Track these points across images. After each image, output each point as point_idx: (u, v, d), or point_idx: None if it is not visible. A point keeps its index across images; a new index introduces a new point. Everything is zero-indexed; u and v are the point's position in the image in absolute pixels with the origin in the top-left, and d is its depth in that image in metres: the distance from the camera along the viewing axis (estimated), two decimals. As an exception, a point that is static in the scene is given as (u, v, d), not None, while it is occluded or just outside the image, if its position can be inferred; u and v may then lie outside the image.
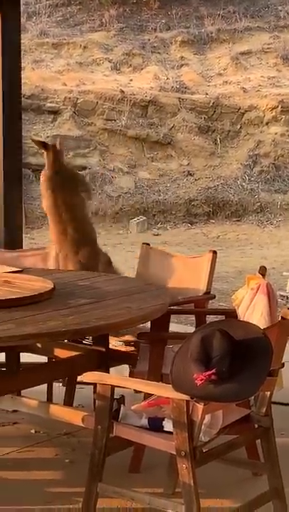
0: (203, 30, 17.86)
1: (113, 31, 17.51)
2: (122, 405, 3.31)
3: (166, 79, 16.00)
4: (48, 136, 14.42)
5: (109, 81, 15.72)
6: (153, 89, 15.48)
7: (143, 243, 4.87)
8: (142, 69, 16.42)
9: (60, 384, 4.82)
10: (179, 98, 15.51)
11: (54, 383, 4.75)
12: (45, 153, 5.07)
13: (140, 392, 3.59)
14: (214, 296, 4.61)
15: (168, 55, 17.08)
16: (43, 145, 5.15)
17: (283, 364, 3.35)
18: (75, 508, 3.49)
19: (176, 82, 16.01)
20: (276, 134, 15.54)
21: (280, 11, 18.75)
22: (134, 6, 18.41)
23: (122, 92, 15.15)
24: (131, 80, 15.90)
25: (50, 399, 4.66)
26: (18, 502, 3.64)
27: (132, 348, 4.36)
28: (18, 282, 4.04)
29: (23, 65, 6.99)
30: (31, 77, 15.08)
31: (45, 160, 5.10)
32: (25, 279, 4.14)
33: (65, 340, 4.44)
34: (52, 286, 3.95)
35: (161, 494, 3.55)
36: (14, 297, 3.77)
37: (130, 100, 15.06)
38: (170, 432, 3.13)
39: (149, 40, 17.19)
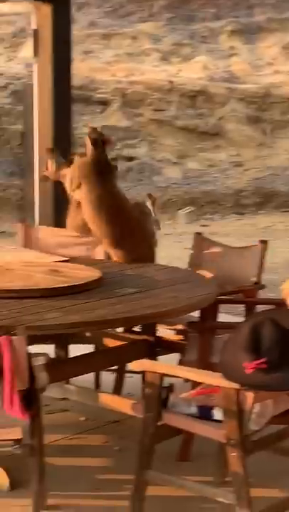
0: (252, 20, 17.74)
1: (162, 21, 17.47)
2: (170, 394, 3.32)
3: (215, 69, 15.94)
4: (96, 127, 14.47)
5: (158, 71, 15.70)
6: (202, 80, 15.43)
7: (195, 233, 4.87)
8: (190, 59, 16.36)
9: (110, 372, 4.86)
10: (228, 88, 15.43)
11: (102, 372, 4.79)
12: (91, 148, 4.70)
13: (189, 381, 3.60)
14: (264, 286, 4.60)
15: (217, 44, 17.00)
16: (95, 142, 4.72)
17: None
18: (125, 495, 3.51)
19: (226, 71, 15.94)
20: None
21: None
22: (183, -4, 18.36)
23: (171, 82, 15.12)
24: (180, 70, 15.86)
25: (98, 387, 4.70)
26: (70, 488, 3.68)
27: (181, 337, 4.37)
28: (65, 271, 4.07)
29: (72, 56, 7.02)
30: (81, 68, 15.12)
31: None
32: (72, 267, 4.17)
33: (115, 330, 4.48)
34: (100, 275, 3.97)
35: (211, 483, 3.55)
36: (62, 286, 3.80)
37: (179, 90, 15.03)
38: (220, 421, 3.14)
39: (198, 29, 17.13)
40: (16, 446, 3.13)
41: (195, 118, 15.02)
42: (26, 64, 14.78)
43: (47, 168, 4.88)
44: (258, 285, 4.55)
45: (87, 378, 4.58)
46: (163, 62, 16.31)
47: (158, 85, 15.07)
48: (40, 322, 3.35)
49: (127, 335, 4.46)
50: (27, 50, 6.19)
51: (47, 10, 5.96)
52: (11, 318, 3.37)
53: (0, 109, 14.47)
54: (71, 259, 4.50)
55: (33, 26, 6.07)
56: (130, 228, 4.48)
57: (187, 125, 14.93)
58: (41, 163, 5.96)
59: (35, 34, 6.02)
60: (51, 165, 4.83)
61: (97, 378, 4.74)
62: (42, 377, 3.16)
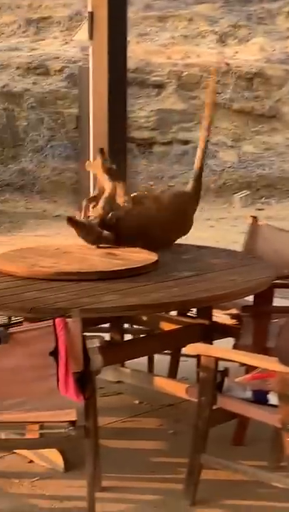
0: (310, 1, 17.48)
1: (219, 3, 17.30)
2: (225, 377, 3.31)
3: (272, 50, 15.76)
4: (151, 110, 14.43)
5: (214, 54, 15.58)
6: (259, 62, 15.26)
7: (251, 216, 4.83)
8: (247, 41, 16.21)
9: (164, 356, 4.86)
10: (286, 70, 15.25)
11: (156, 355, 4.79)
12: None
13: (244, 365, 3.58)
14: None
15: (274, 26, 16.80)
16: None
17: None
18: (179, 478, 3.51)
19: (283, 53, 15.74)
20: None
21: None
22: (240, -23, 18.18)
23: (227, 64, 15.00)
24: (236, 52, 15.71)
25: (151, 370, 4.70)
26: (124, 470, 3.70)
27: (236, 322, 4.35)
28: (121, 254, 4.08)
29: (128, 38, 6.99)
30: (136, 51, 15.09)
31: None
32: (128, 250, 4.17)
33: (170, 313, 4.47)
34: (156, 258, 3.97)
35: (266, 467, 3.54)
36: (118, 269, 3.81)
37: (235, 73, 14.91)
38: (275, 405, 3.12)
39: (255, 11, 16.94)
40: (71, 428, 3.14)
41: (251, 100, 14.89)
42: (82, 47, 14.84)
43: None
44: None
45: (142, 361, 4.59)
46: (219, 44, 16.18)
47: (214, 68, 14.95)
48: (97, 304, 3.36)
49: (182, 318, 4.45)
50: (83, 32, 6.17)
51: (103, -8, 5.95)
52: (68, 300, 3.39)
53: (55, 93, 14.52)
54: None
55: (89, 9, 6.06)
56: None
57: (243, 108, 14.81)
58: (95, 147, 5.96)
59: (91, 17, 6.01)
60: (99, 163, 4.82)
61: (150, 362, 4.74)
62: (97, 359, 3.17)
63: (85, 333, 3.11)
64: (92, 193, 4.73)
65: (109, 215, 4.33)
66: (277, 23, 16.82)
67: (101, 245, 4.28)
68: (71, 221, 4.27)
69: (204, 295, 3.56)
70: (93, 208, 4.47)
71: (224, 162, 14.18)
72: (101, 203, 4.41)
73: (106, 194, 4.48)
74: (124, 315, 4.16)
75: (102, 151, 4.82)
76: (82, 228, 4.28)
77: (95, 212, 4.40)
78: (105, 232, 4.29)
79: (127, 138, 7.14)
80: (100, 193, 4.60)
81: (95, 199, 4.57)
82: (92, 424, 3.20)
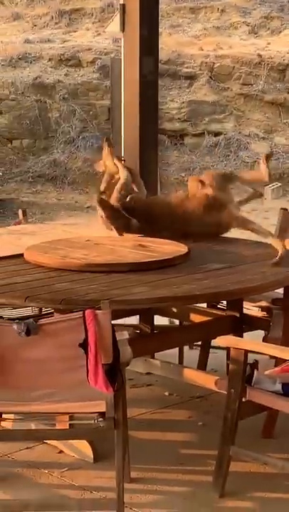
0: None
1: (251, -6, 17.26)
2: (255, 370, 3.31)
3: (305, 42, 15.67)
4: (183, 102, 14.41)
5: (246, 45, 15.52)
6: (291, 53, 15.21)
7: (281, 208, 4.81)
8: (280, 32, 16.13)
9: (194, 348, 4.86)
10: None
11: (186, 347, 4.80)
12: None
13: (274, 358, 3.57)
14: None
15: (307, 17, 16.71)
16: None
17: None
18: (208, 470, 3.52)
19: (315, 45, 15.66)
20: None
21: None
22: None
23: (260, 56, 14.93)
24: (269, 44, 15.64)
25: (181, 362, 4.71)
26: (153, 462, 3.70)
27: (266, 314, 4.34)
28: (152, 246, 4.08)
29: (160, 30, 6.98)
30: (168, 43, 15.07)
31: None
32: (159, 242, 4.17)
33: (201, 305, 4.47)
34: (186, 250, 3.97)
35: (295, 461, 3.53)
36: (148, 260, 3.81)
37: (268, 64, 14.84)
38: (304, 399, 3.11)
39: (288, 2, 16.85)
40: (100, 419, 3.15)
41: (284, 92, 14.81)
42: (114, 39, 14.84)
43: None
44: None
45: (171, 353, 4.60)
46: (252, 36, 16.11)
47: (246, 59, 14.90)
48: (128, 296, 3.36)
49: (213, 310, 4.45)
50: (115, 24, 6.17)
51: (135, -16, 5.94)
52: (98, 292, 3.40)
53: (88, 84, 14.54)
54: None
55: (121, 1, 6.05)
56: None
57: (275, 99, 14.74)
58: (127, 140, 5.96)
59: (123, 9, 6.00)
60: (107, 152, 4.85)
61: (180, 353, 4.75)
62: (126, 351, 3.18)
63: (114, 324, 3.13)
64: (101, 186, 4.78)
65: (128, 198, 4.37)
66: (311, 14, 16.70)
67: (130, 232, 4.32)
68: (102, 203, 4.29)
69: (234, 287, 3.55)
70: (108, 197, 4.52)
71: (256, 154, 14.12)
72: (116, 192, 4.45)
73: (122, 180, 4.52)
74: (154, 307, 4.16)
75: (108, 140, 4.86)
76: (112, 211, 4.31)
77: (112, 201, 4.44)
78: (133, 220, 4.32)
79: (158, 129, 7.12)
80: (109, 183, 4.65)
81: (108, 188, 4.62)
82: (122, 416, 3.21)
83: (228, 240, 4.56)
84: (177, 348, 4.73)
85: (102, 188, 4.75)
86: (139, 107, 6.01)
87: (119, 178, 4.61)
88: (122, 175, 4.59)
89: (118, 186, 4.54)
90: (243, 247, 4.38)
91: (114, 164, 4.73)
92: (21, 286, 3.48)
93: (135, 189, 4.61)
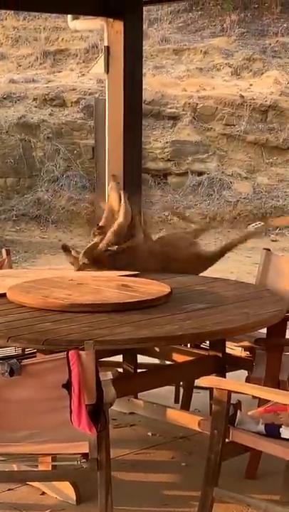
0: None
1: (234, 36, 17.45)
2: (238, 410, 3.31)
3: (286, 83, 15.85)
4: (167, 142, 14.51)
5: (229, 86, 15.69)
6: (273, 94, 15.36)
7: (264, 248, 4.85)
8: (262, 73, 16.32)
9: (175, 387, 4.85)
10: (300, 103, 15.33)
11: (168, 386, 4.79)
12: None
13: (257, 398, 3.58)
14: None
15: (289, 59, 16.92)
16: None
17: None
18: (191, 511, 3.50)
19: (297, 86, 15.83)
20: None
21: None
22: (256, 11, 18.31)
23: (242, 97, 15.08)
24: (251, 85, 15.81)
25: (177, 401, 4.70)
26: (136, 503, 3.69)
27: (249, 354, 4.35)
28: (135, 286, 4.09)
29: (144, 71, 7.06)
30: (152, 83, 15.21)
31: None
32: (142, 282, 4.19)
33: (187, 345, 4.48)
34: (169, 290, 3.98)
35: (278, 501, 3.52)
36: (131, 301, 3.82)
37: (250, 105, 14.99)
38: (288, 439, 3.11)
39: (270, 44, 17.06)
40: (83, 461, 3.14)
41: (266, 133, 14.95)
42: (98, 79, 14.95)
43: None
44: None
45: (155, 392, 4.60)
46: (234, 77, 16.29)
47: (229, 100, 15.05)
48: (111, 336, 3.37)
49: (196, 350, 4.45)
50: (99, 65, 6.24)
51: (119, 26, 6.02)
52: (81, 332, 3.40)
53: (72, 124, 14.63)
54: (140, 274, 4.53)
55: (105, 43, 6.13)
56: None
57: (258, 140, 14.87)
58: (111, 179, 6.00)
59: (107, 51, 6.08)
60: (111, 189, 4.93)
61: (177, 393, 4.75)
62: (110, 392, 3.18)
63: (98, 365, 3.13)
64: (102, 220, 4.83)
65: (115, 247, 4.46)
66: (292, 56, 16.91)
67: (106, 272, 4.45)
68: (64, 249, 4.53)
69: (217, 328, 3.57)
70: (100, 236, 4.59)
71: (239, 193, 14.22)
72: (110, 233, 4.53)
73: (119, 221, 4.60)
74: (137, 347, 4.17)
75: (114, 176, 4.92)
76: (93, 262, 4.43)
77: (105, 240, 4.59)
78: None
79: (142, 169, 7.18)
80: (109, 220, 4.72)
81: (107, 223, 4.70)
82: (105, 457, 3.20)
83: (209, 279, 4.59)
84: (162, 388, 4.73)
85: (101, 223, 4.81)
86: (122, 147, 6.06)
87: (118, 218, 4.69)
88: (120, 217, 4.65)
89: (114, 227, 4.60)
90: (224, 287, 4.40)
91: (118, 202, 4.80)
92: (3, 326, 3.48)
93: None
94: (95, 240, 4.67)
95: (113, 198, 4.86)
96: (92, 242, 4.71)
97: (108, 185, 4.98)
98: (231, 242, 4.88)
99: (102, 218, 4.86)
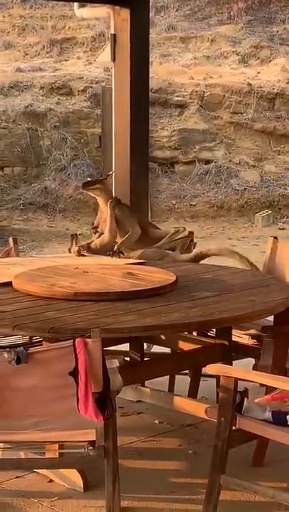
0: None
1: (241, 24, 17.39)
2: (245, 398, 3.31)
3: (294, 71, 15.80)
4: (174, 130, 14.49)
5: (236, 74, 15.64)
6: (281, 82, 15.31)
7: (271, 236, 4.83)
8: (269, 61, 16.26)
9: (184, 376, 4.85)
10: (308, 90, 15.28)
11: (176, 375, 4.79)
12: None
13: (264, 385, 3.58)
14: None
15: (297, 46, 16.85)
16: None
17: None
18: (198, 498, 3.51)
19: (305, 74, 15.78)
20: None
21: None
22: (263, -2, 18.25)
23: (250, 84, 15.04)
24: (258, 73, 15.76)
25: (172, 390, 4.70)
26: (143, 490, 3.69)
27: (255, 342, 4.35)
28: (140, 274, 4.09)
29: (150, 59, 7.04)
30: (159, 72, 15.17)
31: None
32: (147, 270, 4.18)
33: (193, 333, 4.48)
34: (174, 279, 3.98)
35: (285, 488, 3.52)
36: (137, 289, 3.82)
37: (257, 93, 14.94)
38: (294, 427, 3.11)
39: (277, 32, 16.99)
40: (90, 448, 3.15)
41: (273, 120, 14.91)
42: (105, 67, 14.92)
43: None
44: None
45: (162, 380, 4.60)
46: (242, 65, 16.24)
47: (236, 88, 15.01)
48: (116, 325, 3.37)
49: (202, 338, 4.45)
50: (105, 54, 6.22)
51: (125, 14, 5.99)
52: (87, 320, 3.41)
53: (79, 113, 14.62)
54: (146, 262, 4.53)
55: (112, 31, 6.10)
56: None
57: (265, 128, 14.83)
58: (118, 167, 6.00)
59: (114, 39, 6.05)
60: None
61: (171, 381, 4.75)
62: (117, 379, 3.18)
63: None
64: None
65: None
66: (300, 44, 16.85)
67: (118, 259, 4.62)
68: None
69: (223, 316, 3.56)
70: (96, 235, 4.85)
71: (246, 182, 14.19)
72: (100, 240, 4.85)
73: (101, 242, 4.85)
74: (143, 335, 4.17)
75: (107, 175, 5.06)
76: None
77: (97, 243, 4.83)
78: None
79: (149, 157, 7.16)
80: (100, 220, 4.84)
81: (99, 223, 4.83)
82: (112, 444, 3.21)
83: (215, 267, 4.58)
84: (168, 376, 4.73)
85: (95, 223, 4.94)
86: (130, 136, 6.04)
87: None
88: (105, 235, 4.86)
89: (98, 244, 4.86)
90: (230, 275, 4.40)
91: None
92: (9, 315, 3.48)
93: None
94: (93, 238, 4.91)
95: (103, 201, 4.96)
96: (86, 242, 4.91)
97: (103, 182, 5.06)
98: (207, 251, 4.91)
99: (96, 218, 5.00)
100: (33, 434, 3.19)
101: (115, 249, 4.69)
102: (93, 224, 4.96)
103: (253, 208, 13.80)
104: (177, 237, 4.90)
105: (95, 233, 4.90)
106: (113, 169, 6.03)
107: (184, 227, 5.04)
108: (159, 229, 5.19)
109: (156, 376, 4.38)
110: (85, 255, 4.79)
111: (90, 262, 4.50)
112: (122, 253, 4.70)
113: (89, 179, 5.57)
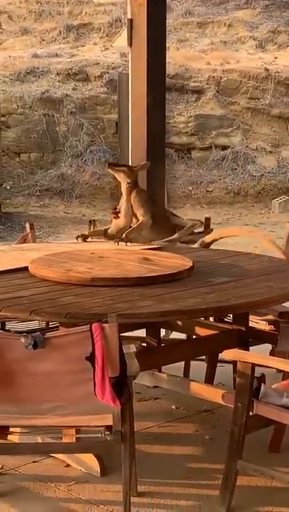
0: None
1: (258, 9, 17.30)
2: (262, 384, 3.30)
3: (312, 56, 15.72)
4: (190, 116, 14.45)
5: (253, 59, 15.57)
6: (298, 67, 15.24)
7: (288, 222, 4.82)
8: (287, 46, 16.17)
9: (201, 361, 4.85)
10: None
11: (192, 361, 4.79)
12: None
13: (281, 371, 3.57)
14: None
15: (314, 31, 16.75)
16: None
17: None
18: (215, 484, 3.51)
19: None
20: None
21: None
22: (280, -18, 18.13)
23: (267, 70, 14.96)
24: (276, 58, 15.68)
25: (186, 376, 4.71)
26: (160, 475, 3.70)
27: (273, 328, 4.33)
28: (156, 259, 4.08)
29: (167, 44, 7.01)
30: (175, 57, 15.13)
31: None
32: (163, 256, 4.17)
33: (210, 319, 4.47)
34: (191, 264, 3.97)
35: (301, 475, 3.52)
36: (154, 274, 3.81)
37: (275, 78, 14.87)
38: (311, 412, 3.10)
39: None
40: (107, 433, 3.15)
41: (290, 106, 14.84)
42: (121, 53, 14.89)
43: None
44: None
45: (179, 366, 4.60)
46: (259, 50, 16.15)
47: (253, 73, 14.94)
48: (133, 310, 3.37)
49: (219, 324, 4.45)
50: (122, 39, 6.20)
51: (142, -1, 5.96)
52: (104, 305, 3.41)
53: (95, 98, 14.60)
54: (162, 247, 4.52)
55: (128, 16, 6.07)
56: None
57: (282, 113, 14.77)
58: (134, 153, 5.98)
59: (130, 24, 6.02)
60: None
61: (186, 367, 4.75)
62: (133, 364, 3.18)
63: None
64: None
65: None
66: (317, 28, 16.74)
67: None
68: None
69: (240, 301, 3.55)
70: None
71: (263, 167, 14.15)
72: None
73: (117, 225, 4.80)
74: (160, 320, 4.17)
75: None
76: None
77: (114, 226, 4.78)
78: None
79: (165, 143, 7.15)
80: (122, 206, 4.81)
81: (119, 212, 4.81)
82: (129, 429, 3.21)
83: (232, 253, 4.57)
84: (183, 362, 4.73)
85: (118, 208, 4.94)
86: (146, 121, 6.02)
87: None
88: (121, 219, 4.82)
89: (113, 228, 4.82)
90: (248, 260, 4.39)
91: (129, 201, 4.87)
92: (26, 300, 3.49)
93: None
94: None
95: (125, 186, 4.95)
96: (103, 228, 4.90)
97: (131, 168, 5.03)
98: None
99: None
100: (50, 418, 3.19)
101: (123, 236, 4.65)
102: (115, 208, 4.91)
103: (270, 194, 13.75)
104: (195, 231, 4.87)
105: (115, 218, 4.85)
106: (130, 155, 6.01)
107: (201, 221, 4.98)
108: (179, 217, 5.14)
109: (173, 362, 4.38)
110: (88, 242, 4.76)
111: (104, 248, 4.49)
112: (130, 241, 4.65)
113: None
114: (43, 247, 4.76)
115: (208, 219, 5.03)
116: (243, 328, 4.20)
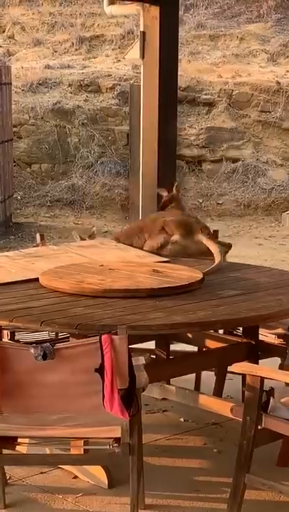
0: None
1: (270, 22, 17.31)
2: (271, 397, 3.30)
3: None
4: (201, 128, 14.46)
5: (265, 72, 15.57)
6: (310, 81, 15.23)
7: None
8: (299, 60, 16.18)
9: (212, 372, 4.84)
10: None
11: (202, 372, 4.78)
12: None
13: (290, 385, 3.56)
14: None
15: None
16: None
17: None
18: (223, 497, 3.50)
19: None
20: None
21: None
22: (293, -4, 18.15)
23: (278, 83, 14.97)
24: (287, 71, 15.67)
25: (198, 388, 4.70)
26: (167, 488, 3.69)
27: (282, 341, 4.33)
28: (166, 271, 4.09)
29: (179, 57, 7.03)
30: (187, 70, 15.15)
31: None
32: (173, 268, 4.18)
33: (220, 331, 4.47)
34: (201, 276, 3.97)
35: (310, 489, 3.50)
36: (164, 286, 3.81)
37: (286, 92, 14.87)
38: None
39: (307, 30, 16.92)
40: (115, 445, 3.15)
41: (302, 119, 14.83)
42: (133, 65, 14.92)
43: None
44: None
45: (188, 378, 4.59)
46: (270, 63, 16.17)
47: (265, 86, 14.95)
48: (143, 322, 3.37)
49: (229, 337, 4.44)
50: (134, 51, 6.22)
51: (155, 12, 5.99)
52: (114, 317, 3.41)
53: (107, 110, 14.63)
54: (171, 260, 4.52)
55: (141, 28, 6.10)
56: None
57: (293, 127, 14.76)
58: (145, 165, 5.99)
59: (143, 36, 6.05)
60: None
61: (198, 379, 4.74)
62: (142, 377, 3.18)
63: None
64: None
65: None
66: None
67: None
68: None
69: (250, 314, 3.55)
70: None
71: (273, 180, 14.14)
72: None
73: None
74: (170, 333, 4.17)
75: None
76: None
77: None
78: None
79: (176, 155, 7.16)
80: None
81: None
82: (137, 442, 3.21)
83: (243, 266, 4.57)
84: (194, 374, 4.72)
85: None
86: (158, 133, 6.04)
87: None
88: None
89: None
90: (257, 274, 4.38)
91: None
92: (37, 311, 3.50)
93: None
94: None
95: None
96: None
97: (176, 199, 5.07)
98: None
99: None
100: (59, 429, 3.20)
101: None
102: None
103: (281, 207, 13.73)
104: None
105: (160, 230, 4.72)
106: (141, 167, 6.03)
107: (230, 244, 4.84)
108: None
109: (182, 374, 4.38)
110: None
111: (112, 260, 4.47)
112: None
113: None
114: (50, 255, 4.72)
115: (215, 232, 5.02)
116: (253, 342, 4.20)
